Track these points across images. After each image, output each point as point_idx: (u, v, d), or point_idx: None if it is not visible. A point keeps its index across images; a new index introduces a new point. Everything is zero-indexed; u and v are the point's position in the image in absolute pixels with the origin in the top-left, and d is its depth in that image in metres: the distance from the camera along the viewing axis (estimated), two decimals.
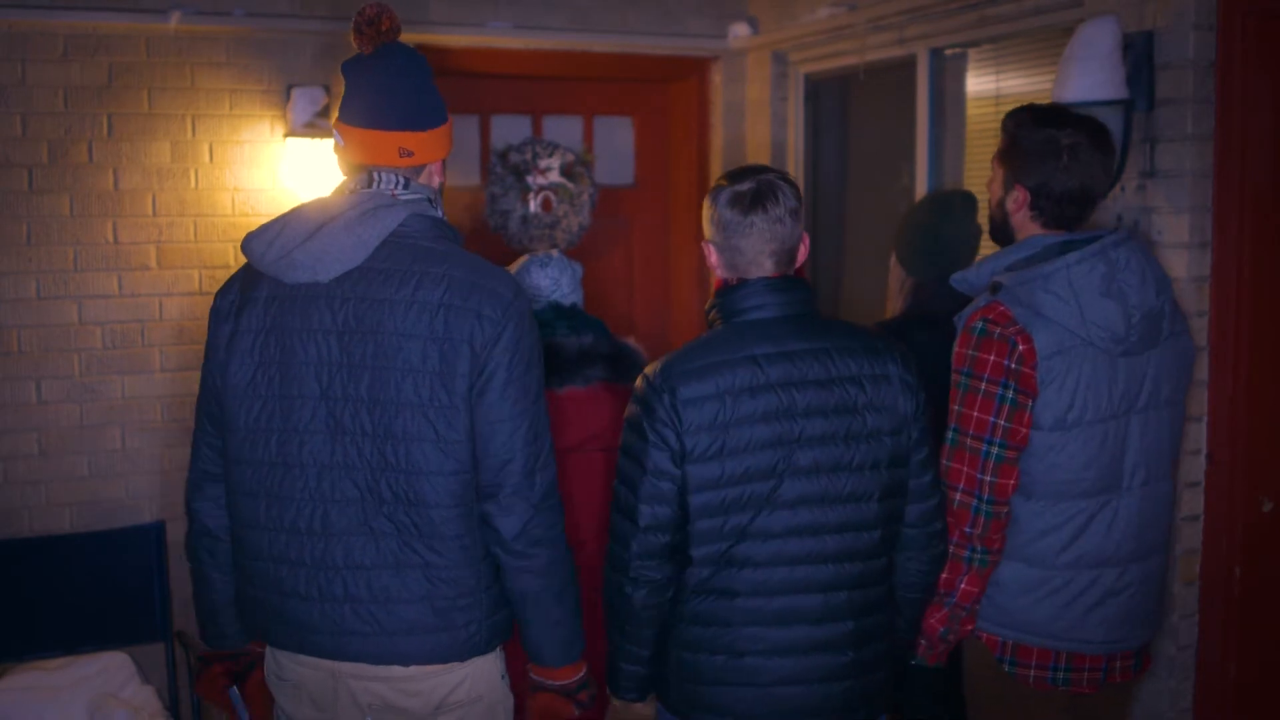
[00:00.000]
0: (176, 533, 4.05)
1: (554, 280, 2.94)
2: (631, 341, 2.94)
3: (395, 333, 2.07)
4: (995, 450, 2.34)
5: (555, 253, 3.04)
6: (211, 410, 2.22)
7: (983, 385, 2.35)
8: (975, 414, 2.36)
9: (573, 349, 2.81)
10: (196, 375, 4.15)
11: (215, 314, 2.21)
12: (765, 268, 2.25)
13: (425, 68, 2.19)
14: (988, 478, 2.34)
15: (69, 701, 3.52)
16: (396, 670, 2.14)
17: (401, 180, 2.16)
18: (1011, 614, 2.44)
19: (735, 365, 2.17)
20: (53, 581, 3.74)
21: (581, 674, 2.28)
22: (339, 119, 2.20)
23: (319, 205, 2.16)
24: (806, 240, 2.30)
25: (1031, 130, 2.45)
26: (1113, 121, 2.93)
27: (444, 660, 2.15)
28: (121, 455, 4.03)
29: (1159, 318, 2.39)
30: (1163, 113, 2.95)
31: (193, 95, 4.03)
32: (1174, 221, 2.95)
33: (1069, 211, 2.43)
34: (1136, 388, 2.41)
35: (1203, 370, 2.97)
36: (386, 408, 2.07)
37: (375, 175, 2.15)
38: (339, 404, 2.09)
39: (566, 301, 2.94)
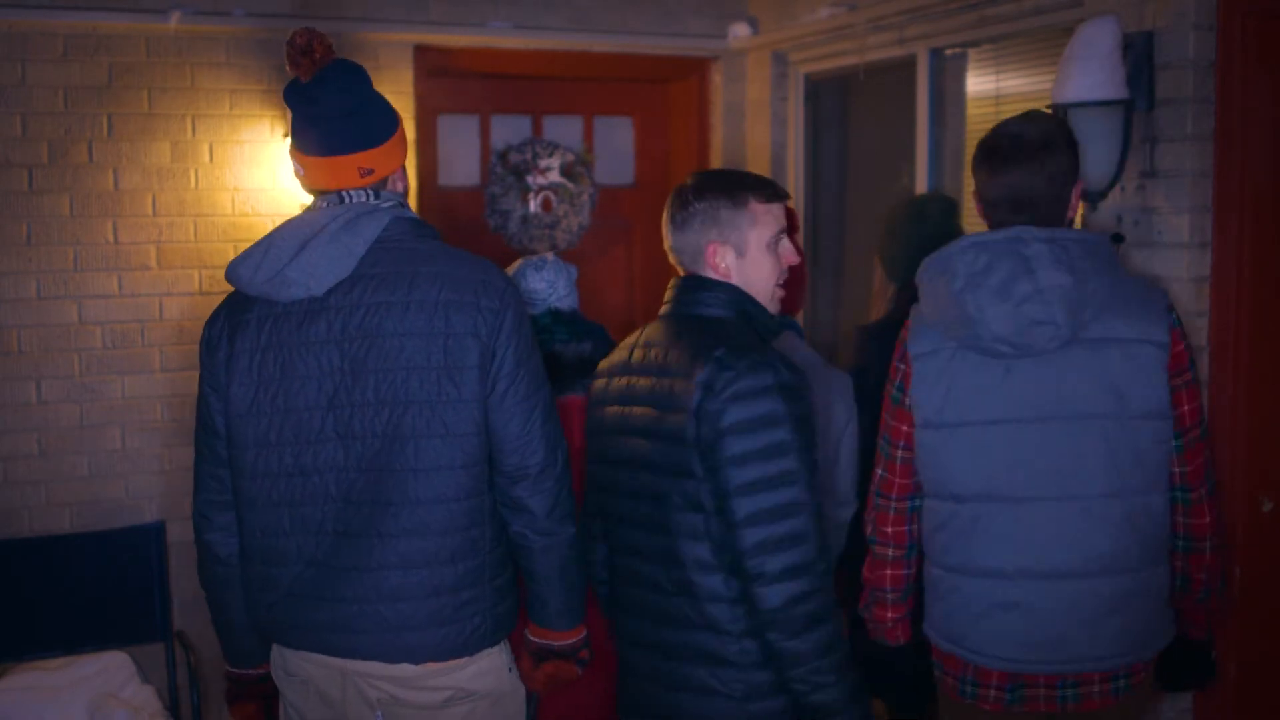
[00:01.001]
0: (176, 533, 4.06)
1: (549, 284, 2.93)
2: None
3: (396, 333, 2.10)
4: (883, 445, 2.49)
5: (550, 256, 3.03)
6: (211, 441, 2.26)
7: (888, 384, 2.49)
8: (883, 411, 2.52)
9: (571, 356, 2.81)
10: (196, 375, 4.16)
11: (206, 345, 2.26)
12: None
13: (365, 80, 2.24)
14: (879, 470, 2.50)
15: (69, 701, 3.52)
16: (407, 669, 2.17)
17: (370, 193, 2.22)
18: (927, 611, 2.49)
19: None
20: (53, 581, 3.75)
21: (583, 634, 2.35)
22: (294, 148, 2.26)
23: (299, 222, 2.21)
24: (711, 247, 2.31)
25: (984, 138, 2.44)
26: (1113, 121, 2.93)
27: (453, 656, 2.18)
28: (121, 455, 4.03)
29: (1073, 323, 2.25)
30: (1163, 113, 2.95)
31: (193, 95, 4.03)
32: (1174, 221, 2.95)
33: (999, 215, 2.37)
34: (1046, 394, 2.28)
35: (1203, 370, 2.97)
36: (394, 408, 2.10)
37: (344, 195, 2.21)
38: (346, 410, 2.13)
39: (564, 306, 2.93)
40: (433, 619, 2.15)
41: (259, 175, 4.11)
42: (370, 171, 2.20)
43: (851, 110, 4.59)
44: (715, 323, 2.20)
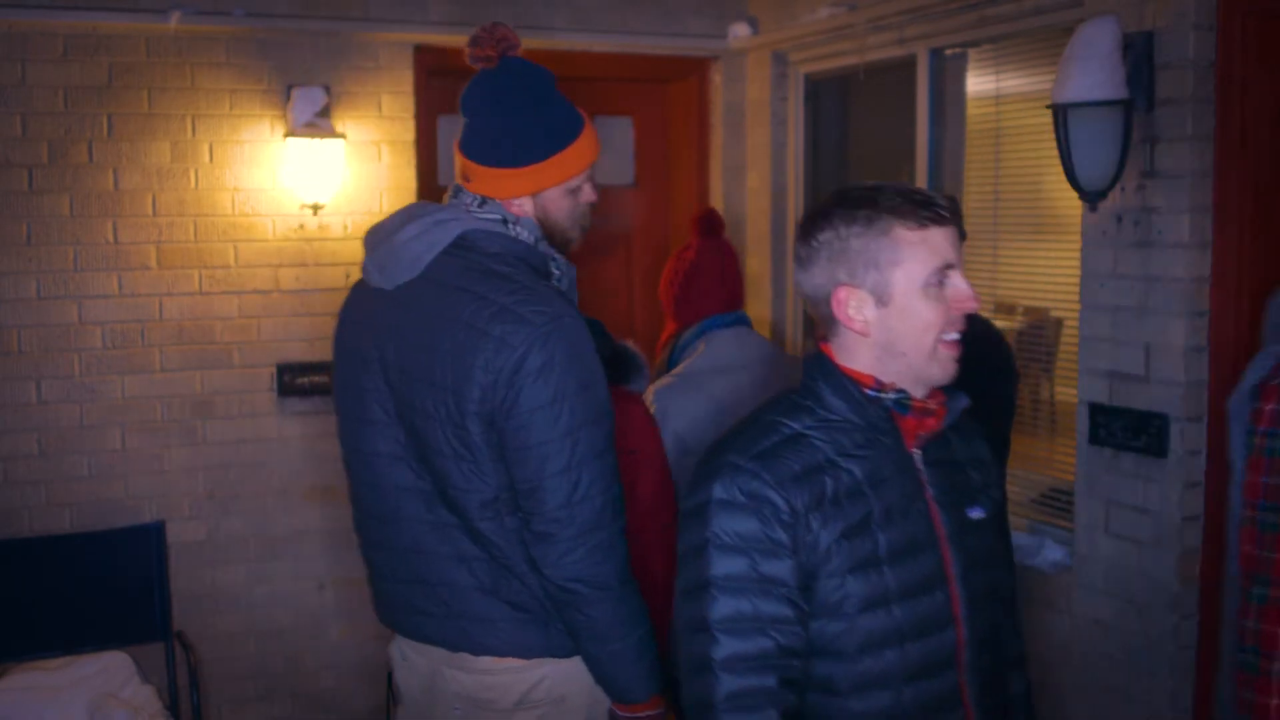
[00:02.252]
0: (176, 533, 4.06)
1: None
2: (631, 344, 2.93)
3: (429, 346, 2.09)
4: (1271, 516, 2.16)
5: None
6: None
7: (1260, 437, 2.17)
8: (1256, 473, 2.17)
9: None
10: (197, 375, 4.19)
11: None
12: None
13: (518, 113, 2.22)
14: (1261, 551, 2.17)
15: (69, 701, 3.52)
16: (469, 659, 2.16)
17: (478, 199, 2.19)
18: None
19: None
20: (53, 581, 3.74)
21: (655, 711, 2.16)
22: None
23: (416, 208, 2.24)
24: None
25: None
26: (1113, 121, 2.93)
27: (517, 655, 2.15)
28: (121, 455, 4.03)
29: None
30: (1163, 113, 2.95)
31: (193, 95, 4.03)
32: (1174, 221, 2.95)
33: None
34: None
35: (1203, 370, 2.97)
36: (420, 417, 2.10)
37: (455, 189, 2.24)
38: (393, 403, 2.16)
39: None
40: (495, 614, 2.12)
41: (259, 175, 4.11)
42: (467, 179, 2.21)
43: (851, 110, 4.59)
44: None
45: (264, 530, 4.22)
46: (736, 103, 4.81)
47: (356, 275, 4.27)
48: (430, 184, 4.57)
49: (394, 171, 4.28)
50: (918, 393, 1.71)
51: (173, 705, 3.77)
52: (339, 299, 4.24)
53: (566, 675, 2.17)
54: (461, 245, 2.13)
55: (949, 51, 3.92)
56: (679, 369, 3.05)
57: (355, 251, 4.26)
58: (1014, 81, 3.73)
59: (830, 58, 4.39)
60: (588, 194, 2.27)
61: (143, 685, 3.71)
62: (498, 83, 2.23)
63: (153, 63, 3.98)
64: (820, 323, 1.74)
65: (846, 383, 1.69)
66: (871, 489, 1.65)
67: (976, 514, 1.75)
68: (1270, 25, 2.86)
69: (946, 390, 1.75)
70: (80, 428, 3.98)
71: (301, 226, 4.17)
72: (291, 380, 4.20)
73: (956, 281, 1.67)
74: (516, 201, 2.18)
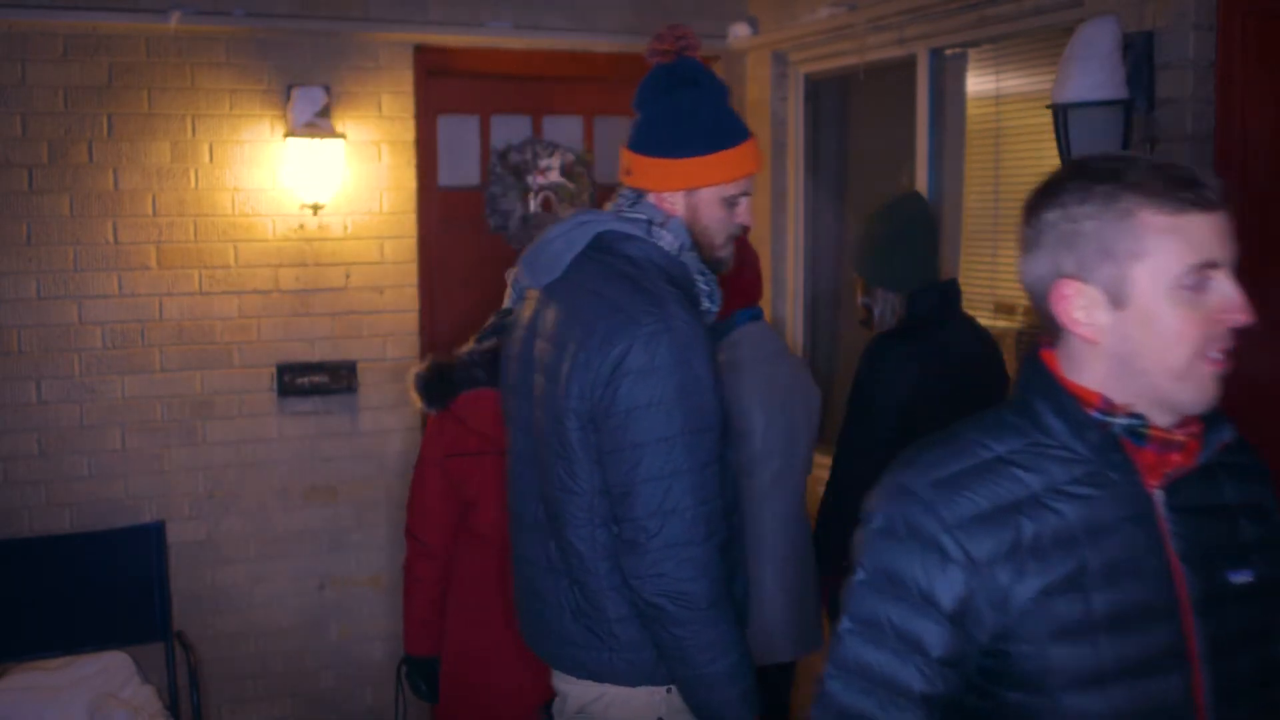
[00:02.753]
0: (176, 533, 4.06)
1: None
2: None
3: (558, 344, 2.09)
4: None
5: None
6: None
7: None
8: None
9: None
10: (197, 375, 4.19)
11: None
12: None
13: (684, 105, 2.16)
14: None
15: (69, 701, 3.52)
16: (557, 672, 2.21)
17: (630, 198, 2.18)
18: None
19: None
20: (53, 581, 3.75)
21: None
22: None
23: (572, 213, 2.24)
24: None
25: None
26: (1113, 121, 2.93)
27: (578, 674, 2.14)
28: (121, 455, 4.03)
29: None
30: (1163, 113, 2.95)
31: (193, 95, 4.03)
32: None
33: None
34: None
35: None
36: (541, 415, 2.12)
37: (617, 188, 2.23)
38: (529, 405, 2.18)
39: None
40: (567, 632, 2.13)
41: (259, 175, 4.11)
42: (628, 172, 2.19)
43: (851, 110, 4.59)
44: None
45: (264, 530, 4.22)
46: (736, 103, 4.80)
47: (356, 275, 4.29)
48: (430, 184, 4.57)
49: (394, 171, 4.28)
50: (1161, 420, 1.37)
51: (173, 705, 3.77)
52: (339, 299, 4.29)
53: (625, 703, 2.12)
54: (601, 247, 2.12)
55: (949, 51, 3.92)
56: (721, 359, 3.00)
57: (355, 251, 4.26)
58: (1014, 81, 3.73)
59: (830, 58, 4.39)
60: (743, 214, 2.22)
61: (143, 685, 3.71)
62: (670, 77, 2.18)
63: (153, 63, 3.98)
64: (1043, 323, 1.43)
65: (1066, 400, 1.37)
66: (1088, 537, 1.32)
67: (1242, 577, 1.37)
68: (1270, 25, 2.86)
69: (1207, 418, 1.40)
70: (80, 428, 3.98)
71: (301, 226, 4.17)
72: (291, 380, 4.20)
73: (1222, 286, 1.40)
74: (669, 198, 2.15)
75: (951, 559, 1.32)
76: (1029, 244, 1.40)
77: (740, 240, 3.17)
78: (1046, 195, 1.39)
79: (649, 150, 2.15)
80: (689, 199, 2.16)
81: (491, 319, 2.95)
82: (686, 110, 2.15)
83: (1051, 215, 1.37)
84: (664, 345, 1.96)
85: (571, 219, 2.17)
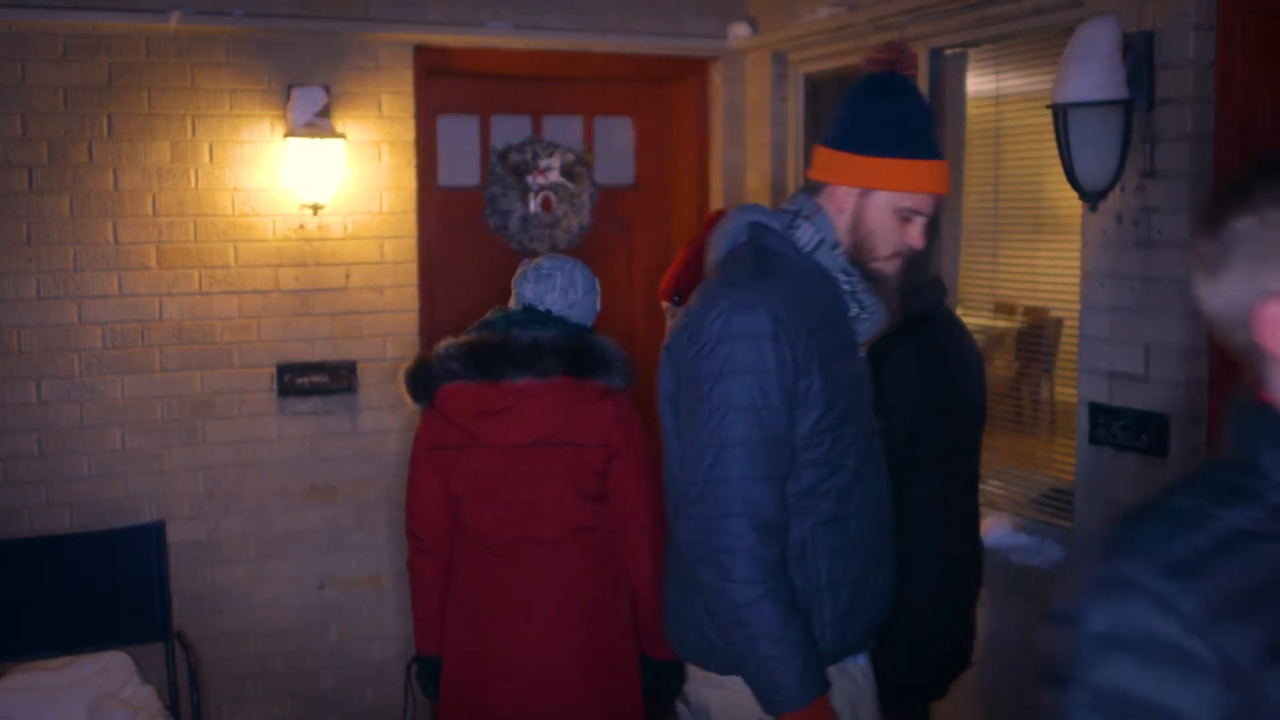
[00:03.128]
0: (176, 533, 4.06)
1: (537, 297, 2.88)
2: (606, 339, 2.87)
3: None
4: None
5: (559, 275, 2.90)
6: None
7: None
8: None
9: (525, 340, 2.79)
10: (197, 375, 4.19)
11: None
12: None
13: (881, 107, 2.14)
14: None
15: (69, 701, 3.52)
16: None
17: (801, 192, 2.22)
18: None
19: None
20: (53, 581, 3.75)
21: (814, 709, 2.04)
22: None
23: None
24: None
25: None
26: (1113, 121, 2.93)
27: (681, 653, 2.25)
28: (121, 455, 4.03)
29: None
30: (1163, 113, 2.95)
31: (193, 95, 4.03)
32: (1174, 221, 2.95)
33: None
34: None
35: (1203, 370, 2.97)
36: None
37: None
38: None
39: (542, 307, 2.88)
40: (673, 605, 2.24)
41: (259, 175, 4.11)
42: (810, 165, 2.23)
43: None
44: None
45: (264, 530, 4.22)
46: (736, 103, 4.81)
47: (356, 275, 4.29)
48: (430, 184, 4.57)
49: (394, 171, 4.28)
50: None
51: (173, 705, 3.77)
52: (339, 299, 4.29)
53: (709, 689, 2.18)
54: (751, 240, 2.17)
55: (949, 51, 3.92)
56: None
57: (355, 251, 4.26)
58: (1014, 81, 3.73)
59: (830, 58, 4.39)
60: (914, 234, 2.16)
61: (143, 685, 3.71)
62: (876, 83, 2.17)
63: (153, 63, 3.98)
64: (1243, 358, 1.15)
65: None
66: None
67: None
68: (1270, 25, 2.86)
69: None
70: (80, 428, 3.98)
71: (301, 226, 4.18)
72: (291, 380, 4.20)
73: None
74: (842, 193, 2.14)
75: (1202, 667, 1.01)
76: (1214, 261, 1.13)
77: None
78: (1236, 199, 1.12)
79: (833, 142, 2.16)
80: (861, 199, 2.14)
81: (490, 313, 2.96)
82: (880, 112, 2.13)
83: (1245, 223, 1.10)
84: (723, 323, 2.02)
85: (739, 210, 2.22)
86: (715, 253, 2.22)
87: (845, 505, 2.12)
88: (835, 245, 2.15)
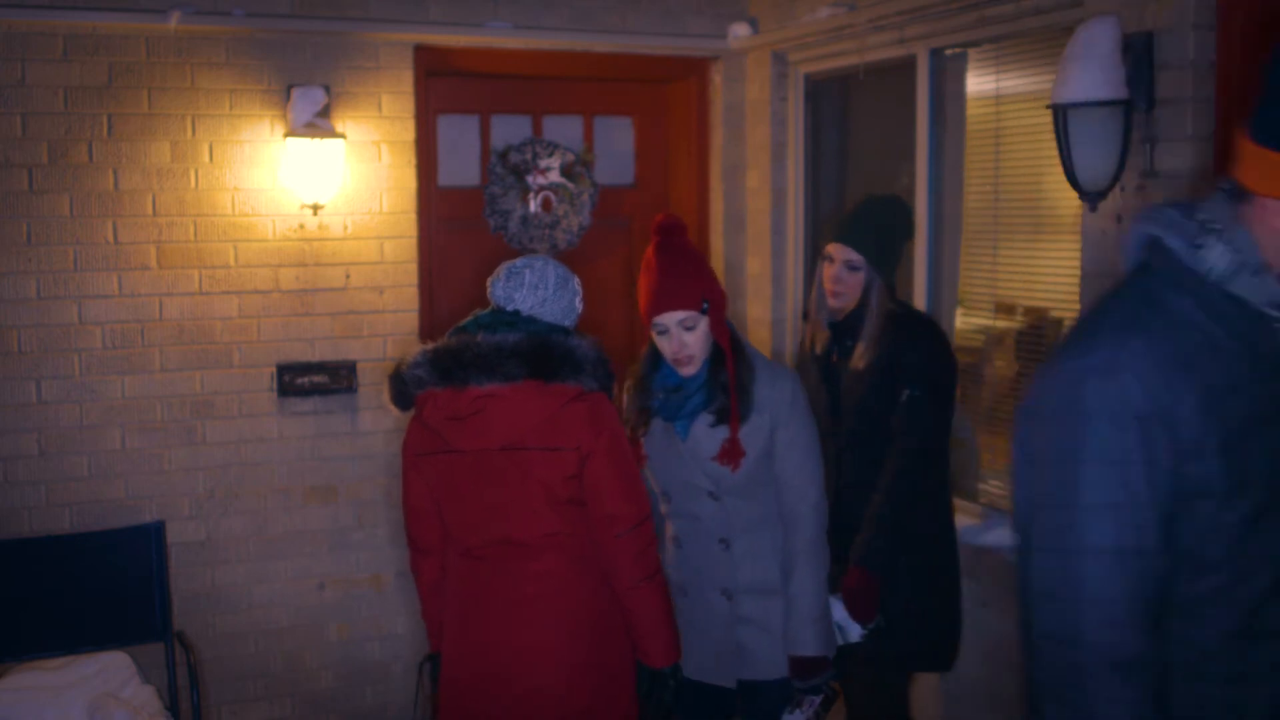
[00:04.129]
0: (176, 533, 4.06)
1: (506, 296, 2.83)
2: (583, 339, 2.78)
3: None
4: None
5: (528, 272, 2.81)
6: None
7: None
8: None
9: (486, 345, 2.75)
10: (197, 375, 4.19)
11: None
12: None
13: None
14: None
15: (69, 701, 3.52)
16: None
17: (1221, 195, 1.66)
18: None
19: None
20: (53, 581, 3.75)
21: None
22: None
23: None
24: None
25: None
26: (1113, 121, 2.93)
27: None
28: (121, 455, 4.03)
29: None
30: (1163, 113, 2.95)
31: (193, 95, 4.03)
32: None
33: None
34: None
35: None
36: None
37: None
38: None
39: (511, 307, 2.80)
40: None
41: (259, 175, 4.11)
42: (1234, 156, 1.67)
43: (851, 110, 4.59)
44: None
45: (264, 530, 4.22)
46: (736, 103, 4.81)
47: (356, 275, 4.29)
48: (430, 184, 4.57)
49: (394, 171, 4.28)
50: None
51: (173, 705, 3.77)
52: (339, 299, 4.29)
53: None
54: (1144, 266, 1.68)
55: (949, 51, 3.92)
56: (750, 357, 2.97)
57: (355, 251, 4.26)
58: (1014, 81, 3.73)
59: (830, 58, 4.39)
60: None
61: (143, 685, 3.71)
62: None
63: (153, 63, 3.98)
64: None
65: None
66: None
67: None
68: (1270, 25, 2.86)
69: None
70: (80, 428, 3.98)
71: (301, 226, 4.17)
72: (291, 380, 4.20)
73: None
74: (1274, 207, 1.57)
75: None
76: None
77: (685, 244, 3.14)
78: None
79: (1262, 136, 1.57)
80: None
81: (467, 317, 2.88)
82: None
83: None
84: (1071, 391, 1.60)
85: (1141, 215, 1.73)
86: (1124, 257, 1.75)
87: (1260, 621, 1.61)
88: (1259, 270, 1.60)
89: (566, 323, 2.83)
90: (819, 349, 3.44)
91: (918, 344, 3.21)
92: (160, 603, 3.84)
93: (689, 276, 2.84)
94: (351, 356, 4.28)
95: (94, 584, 3.78)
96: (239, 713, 4.24)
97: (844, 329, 3.33)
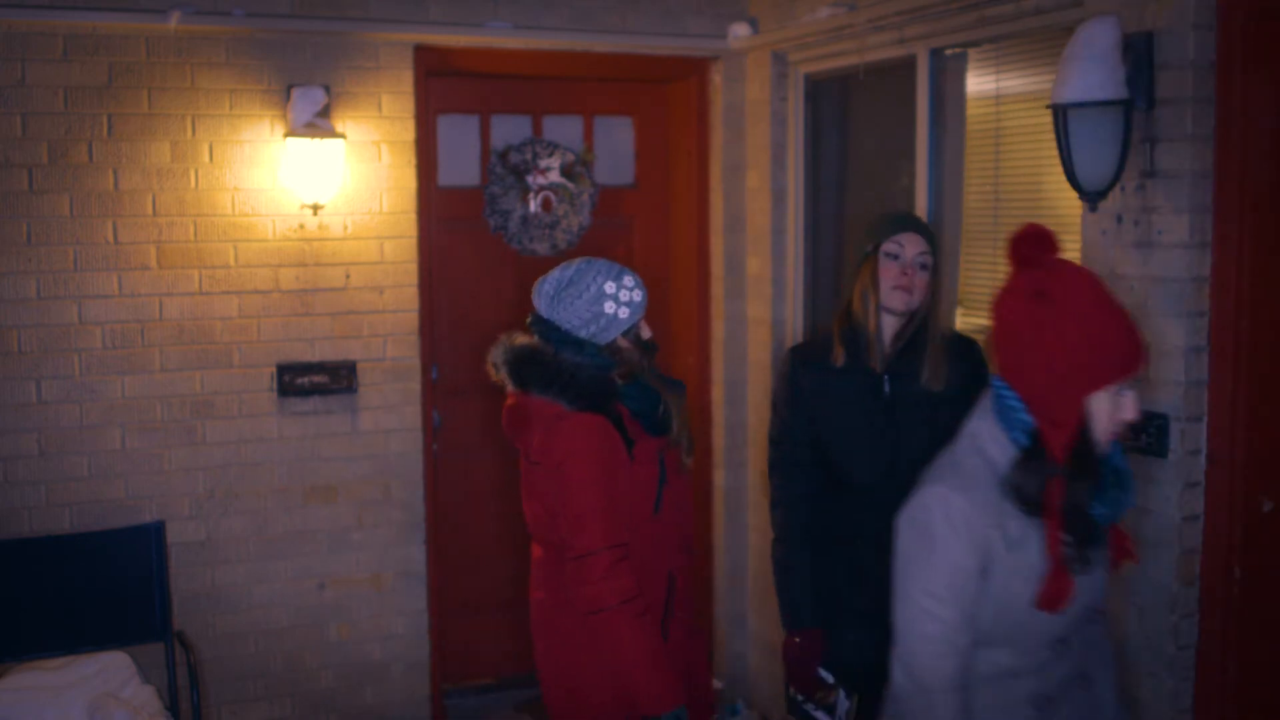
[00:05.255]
0: (176, 533, 4.06)
1: (534, 296, 2.79)
2: (592, 360, 2.70)
3: None
4: None
5: (553, 274, 2.78)
6: None
7: None
8: None
9: (501, 347, 2.81)
10: (197, 375, 4.19)
11: None
12: None
13: None
14: None
15: (69, 701, 3.52)
16: None
17: None
18: None
19: None
20: (53, 581, 3.75)
21: None
22: None
23: None
24: None
25: None
26: (1112, 121, 2.93)
27: None
28: (121, 455, 4.03)
29: None
30: (1163, 113, 2.95)
31: (193, 95, 4.03)
32: (1174, 221, 2.95)
33: None
34: None
35: (1203, 370, 2.97)
36: None
37: None
38: None
39: (536, 310, 2.79)
40: None
41: (259, 175, 4.11)
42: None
43: (851, 110, 4.59)
44: None
45: (264, 530, 4.22)
46: (736, 103, 4.81)
47: (356, 275, 4.29)
48: (430, 184, 4.57)
49: (394, 171, 4.28)
50: None
51: (173, 705, 3.77)
52: (339, 299, 4.29)
53: None
54: None
55: (949, 51, 3.92)
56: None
57: (355, 251, 4.26)
58: (1014, 81, 3.73)
59: (830, 58, 4.39)
60: None
61: (143, 685, 3.71)
62: None
63: (153, 63, 3.98)
64: None
65: None
66: None
67: None
68: (1270, 25, 2.86)
69: None
70: (80, 428, 3.98)
71: (301, 226, 4.18)
72: (291, 380, 4.20)
73: None
74: None
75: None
76: None
77: None
78: None
79: None
80: None
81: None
82: None
83: None
84: None
85: None
86: None
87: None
88: None
89: (583, 333, 2.70)
90: (839, 361, 2.97)
91: (983, 367, 2.92)
92: (160, 603, 3.84)
93: None
94: (351, 356, 4.28)
95: (94, 584, 3.78)
96: (239, 713, 4.24)
97: (899, 342, 2.94)
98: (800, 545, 3.03)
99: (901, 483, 2.32)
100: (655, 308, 5.05)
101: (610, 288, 2.71)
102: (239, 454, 4.18)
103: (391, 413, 4.35)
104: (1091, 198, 3.02)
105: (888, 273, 2.92)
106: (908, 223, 2.96)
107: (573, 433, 2.62)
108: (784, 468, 3.07)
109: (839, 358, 2.98)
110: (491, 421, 4.81)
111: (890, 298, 2.92)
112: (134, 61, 3.96)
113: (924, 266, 2.92)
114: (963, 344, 3.06)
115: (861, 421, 2.96)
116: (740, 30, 4.67)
